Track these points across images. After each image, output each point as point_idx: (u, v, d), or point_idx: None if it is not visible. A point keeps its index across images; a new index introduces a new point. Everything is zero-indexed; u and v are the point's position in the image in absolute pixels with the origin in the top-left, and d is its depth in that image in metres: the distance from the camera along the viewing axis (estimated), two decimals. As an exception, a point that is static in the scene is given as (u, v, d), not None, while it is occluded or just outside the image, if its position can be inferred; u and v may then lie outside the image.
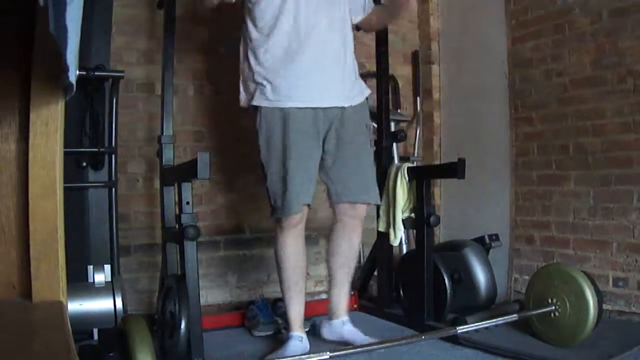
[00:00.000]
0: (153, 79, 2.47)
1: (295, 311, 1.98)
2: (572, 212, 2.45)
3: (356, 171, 1.99)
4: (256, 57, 1.90)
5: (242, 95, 1.97)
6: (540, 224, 2.58)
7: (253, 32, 1.91)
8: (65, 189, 1.01)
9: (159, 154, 2.14)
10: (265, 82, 1.88)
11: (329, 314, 2.10)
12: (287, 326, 2.02)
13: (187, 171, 1.79)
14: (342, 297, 2.07)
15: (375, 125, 2.42)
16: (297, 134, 1.88)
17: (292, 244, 1.97)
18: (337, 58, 1.94)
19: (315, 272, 2.75)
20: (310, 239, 2.76)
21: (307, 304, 2.44)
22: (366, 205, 2.05)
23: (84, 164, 2.17)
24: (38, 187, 0.96)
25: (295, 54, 1.87)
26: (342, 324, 2.03)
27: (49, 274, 0.97)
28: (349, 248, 2.06)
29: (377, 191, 2.08)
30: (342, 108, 1.94)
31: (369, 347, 1.78)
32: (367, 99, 2.06)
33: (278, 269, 2.01)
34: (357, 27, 2.12)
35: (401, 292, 2.35)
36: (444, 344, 1.99)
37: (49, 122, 0.96)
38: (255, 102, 1.90)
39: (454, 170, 2.06)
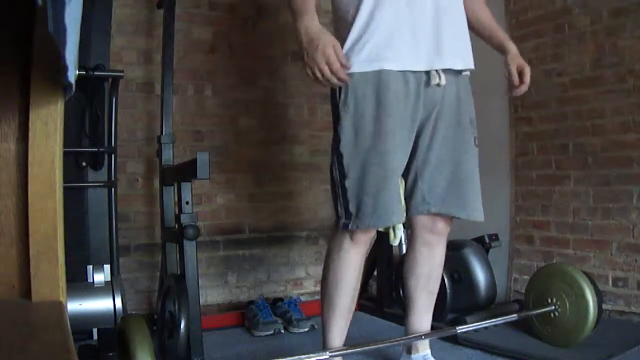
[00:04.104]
0: (153, 79, 2.47)
1: (339, 342, 1.61)
2: (572, 212, 2.45)
3: (452, 176, 1.54)
4: (347, 14, 1.48)
5: None
6: (540, 224, 2.58)
7: None
8: (65, 189, 1.01)
9: (159, 153, 2.15)
10: (355, 41, 1.43)
11: (406, 347, 1.75)
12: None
13: (186, 171, 1.79)
14: (422, 326, 1.70)
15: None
16: (395, 118, 1.44)
17: (359, 263, 1.57)
18: (453, 18, 1.53)
19: (315, 272, 2.75)
20: (310, 239, 2.77)
21: (308, 304, 2.46)
22: (451, 219, 1.61)
23: (84, 163, 2.16)
24: (37, 187, 0.96)
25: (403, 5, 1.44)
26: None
27: (48, 273, 0.97)
28: (431, 268, 1.67)
29: (480, 205, 1.58)
30: (443, 93, 1.51)
31: (368, 347, 1.78)
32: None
33: (328, 290, 1.58)
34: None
35: (401, 292, 2.35)
36: (443, 344, 2.00)
37: (48, 122, 0.95)
38: None
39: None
